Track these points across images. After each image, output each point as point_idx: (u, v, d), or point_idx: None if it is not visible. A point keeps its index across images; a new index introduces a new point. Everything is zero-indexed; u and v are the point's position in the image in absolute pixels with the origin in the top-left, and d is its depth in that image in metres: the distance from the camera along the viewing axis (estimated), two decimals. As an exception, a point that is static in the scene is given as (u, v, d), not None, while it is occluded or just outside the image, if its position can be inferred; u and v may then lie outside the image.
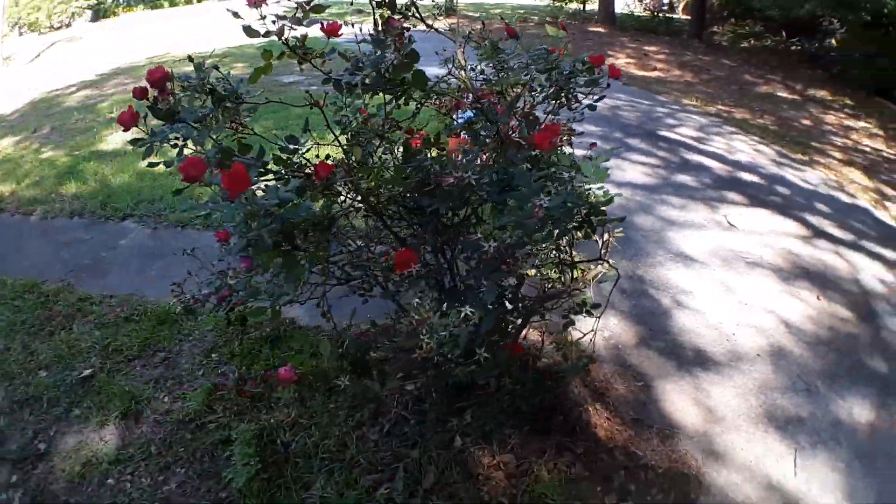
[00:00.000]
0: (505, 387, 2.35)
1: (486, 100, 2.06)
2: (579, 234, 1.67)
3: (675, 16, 16.42)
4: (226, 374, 3.06)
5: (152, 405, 2.86)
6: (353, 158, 1.83)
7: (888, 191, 5.64)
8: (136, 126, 1.63)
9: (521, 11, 15.31)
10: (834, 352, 3.23)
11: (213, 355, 3.21)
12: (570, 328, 2.40)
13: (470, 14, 15.60)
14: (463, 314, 1.54)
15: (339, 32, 1.66)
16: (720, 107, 7.90)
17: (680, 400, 2.91)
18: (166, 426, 2.71)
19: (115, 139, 6.37)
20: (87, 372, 3.07)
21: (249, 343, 3.26)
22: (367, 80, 1.62)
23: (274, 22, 1.61)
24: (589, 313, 2.06)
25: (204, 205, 1.66)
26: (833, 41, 10.65)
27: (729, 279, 3.84)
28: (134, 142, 1.67)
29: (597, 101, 2.13)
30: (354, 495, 2.26)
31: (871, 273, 3.98)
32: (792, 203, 4.92)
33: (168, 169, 1.73)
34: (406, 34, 1.71)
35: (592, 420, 2.72)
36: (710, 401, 2.91)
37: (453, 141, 2.11)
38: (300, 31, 1.65)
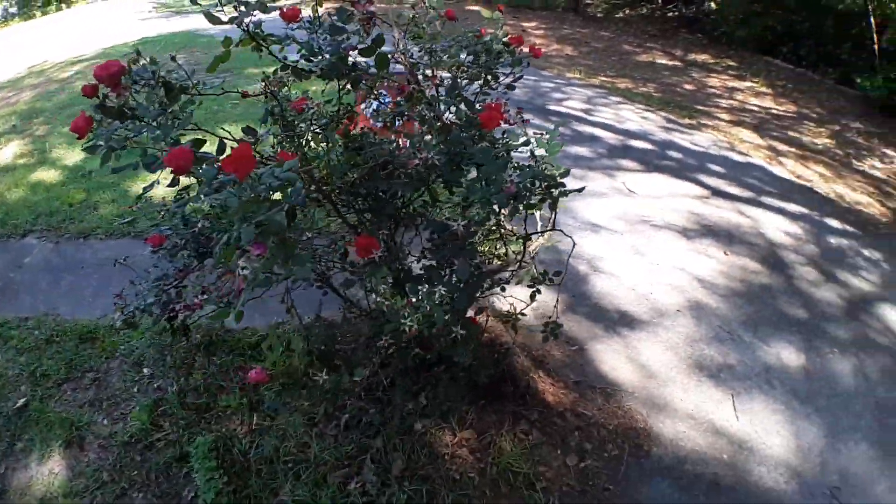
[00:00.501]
0: (461, 364, 2.39)
1: (428, 83, 2.06)
2: (538, 207, 1.72)
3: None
4: (163, 387, 2.90)
5: (94, 429, 2.68)
6: (305, 148, 1.77)
7: (781, 147, 6.14)
8: (91, 131, 1.48)
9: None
10: (751, 302, 3.53)
11: (145, 370, 3.04)
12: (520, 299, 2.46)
13: None
14: (437, 294, 1.55)
15: (299, 18, 1.59)
16: (603, 78, 8.23)
17: (614, 359, 3.09)
18: (113, 450, 2.56)
19: (6, 154, 5.82)
20: (20, 402, 2.84)
21: (181, 353, 3.10)
22: (323, 66, 1.57)
23: (236, 8, 1.52)
24: (551, 281, 2.13)
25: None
26: (712, 4, 11.11)
27: (637, 243, 4.07)
28: (90, 149, 1.51)
29: (515, 80, 2.18)
30: (328, 494, 2.23)
31: (774, 226, 4.37)
32: (686, 166, 5.27)
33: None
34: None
35: (539, 387, 2.84)
36: (641, 357, 3.11)
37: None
38: (259, 16, 1.57)
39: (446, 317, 1.64)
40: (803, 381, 3.00)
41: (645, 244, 4.05)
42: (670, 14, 12.05)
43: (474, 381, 2.49)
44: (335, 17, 1.66)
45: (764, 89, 8.11)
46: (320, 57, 1.58)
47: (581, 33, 11.06)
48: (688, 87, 8.20)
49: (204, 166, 1.26)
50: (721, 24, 10.08)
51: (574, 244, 2.42)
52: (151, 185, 1.75)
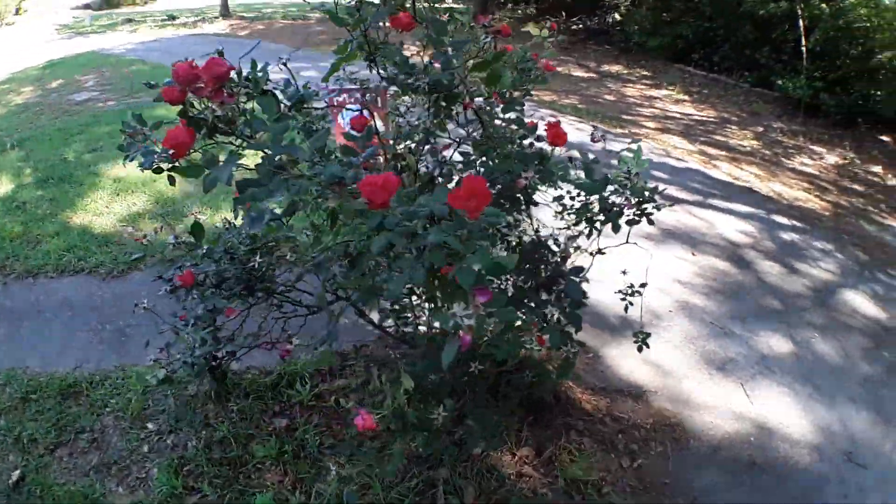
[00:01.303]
0: (522, 382, 2.39)
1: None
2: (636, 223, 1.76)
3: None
4: (178, 443, 2.64)
5: (114, 501, 2.36)
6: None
7: (711, 150, 6.63)
8: (193, 148, 1.31)
9: (294, 10, 15.02)
10: (731, 298, 3.80)
11: (150, 425, 2.74)
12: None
13: (245, 15, 14.99)
14: (556, 317, 1.54)
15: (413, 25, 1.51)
16: (567, 101, 8.47)
17: (629, 363, 3.21)
18: (147, 525, 2.27)
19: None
20: (15, 475, 2.46)
21: (182, 401, 2.84)
22: (428, 83, 1.51)
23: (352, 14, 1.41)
24: (639, 293, 2.18)
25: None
26: (616, 15, 11.74)
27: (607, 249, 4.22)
28: (189, 170, 1.31)
29: (523, 96, 2.20)
30: (414, 534, 2.13)
31: (729, 226, 4.73)
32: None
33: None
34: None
35: (576, 396, 2.88)
36: (653, 358, 3.24)
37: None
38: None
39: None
40: (797, 365, 3.26)
41: (616, 251, 4.22)
42: (575, 27, 12.66)
43: (530, 397, 2.49)
44: (430, 31, 1.60)
45: (681, 96, 8.71)
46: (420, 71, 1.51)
47: (497, 48, 11.34)
48: (608, 97, 8.66)
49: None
50: (632, 35, 10.64)
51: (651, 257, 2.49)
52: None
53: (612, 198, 1.67)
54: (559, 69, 10.04)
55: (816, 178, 6.26)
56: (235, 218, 1.97)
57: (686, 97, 8.70)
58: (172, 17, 14.52)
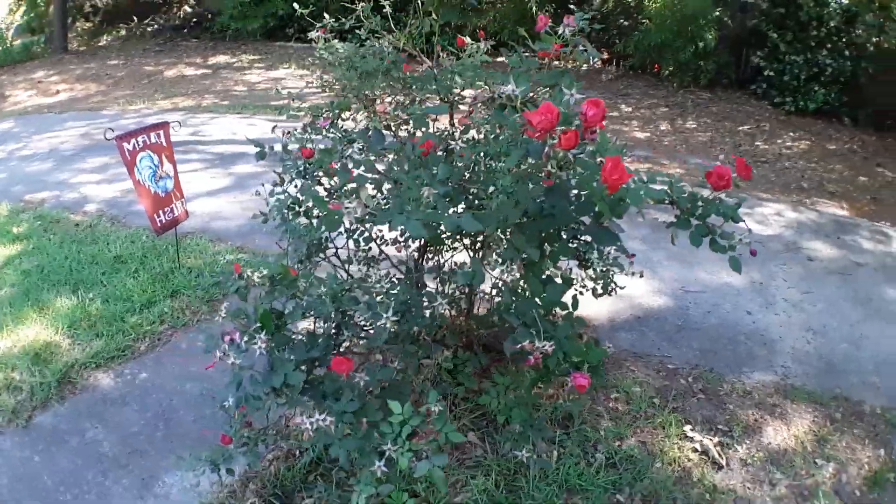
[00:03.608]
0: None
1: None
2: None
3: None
4: None
5: None
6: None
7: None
8: None
9: None
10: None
11: None
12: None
13: None
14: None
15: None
16: (162, 102, 7.39)
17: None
18: None
19: None
20: None
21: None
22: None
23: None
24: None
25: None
26: (186, 8, 10.84)
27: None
28: None
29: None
30: None
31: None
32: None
33: None
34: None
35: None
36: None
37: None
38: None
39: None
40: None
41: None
42: (150, 28, 11.24)
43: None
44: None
45: (304, 71, 8.58)
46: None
47: (88, 68, 9.38)
48: (240, 88, 8.00)
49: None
50: (227, 23, 9.96)
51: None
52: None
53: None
54: (168, 73, 8.84)
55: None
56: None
57: (307, 72, 8.64)
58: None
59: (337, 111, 2.04)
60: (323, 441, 1.36)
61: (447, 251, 2.30)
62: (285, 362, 1.45)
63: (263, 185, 2.15)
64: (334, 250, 2.18)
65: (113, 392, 2.56)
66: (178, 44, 10.37)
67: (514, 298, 1.50)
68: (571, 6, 2.08)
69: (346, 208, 1.29)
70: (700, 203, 1.45)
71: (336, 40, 2.36)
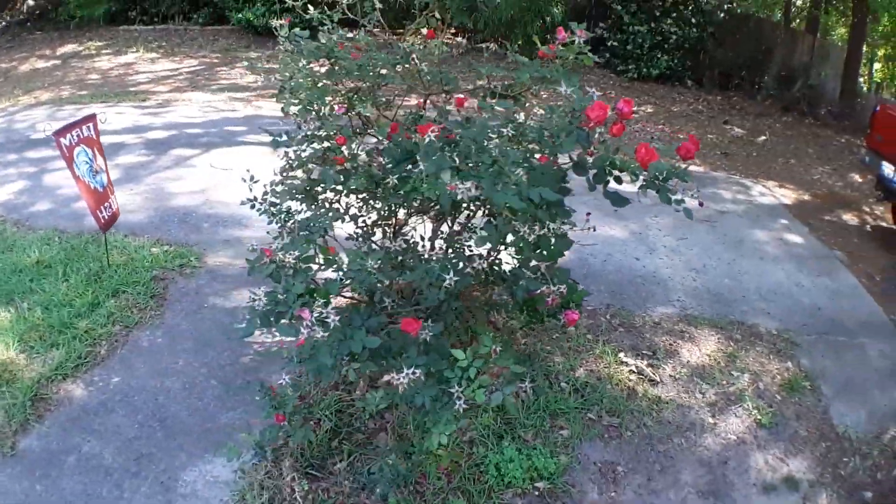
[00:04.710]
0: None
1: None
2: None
3: None
4: None
5: None
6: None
7: (238, 94, 6.71)
8: None
9: None
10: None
11: None
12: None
13: None
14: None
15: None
16: (28, 97, 6.72)
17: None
18: None
19: None
20: None
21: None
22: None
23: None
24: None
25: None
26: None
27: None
28: None
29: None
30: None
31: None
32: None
33: None
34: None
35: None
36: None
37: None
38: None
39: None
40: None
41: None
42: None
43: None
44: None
45: (152, 55, 8.16)
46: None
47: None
48: (94, 76, 7.36)
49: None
50: (72, 11, 9.07)
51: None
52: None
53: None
54: (22, 68, 7.88)
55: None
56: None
57: (156, 54, 8.18)
58: None
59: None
60: (411, 392, 1.57)
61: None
62: (356, 329, 1.65)
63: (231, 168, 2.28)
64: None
65: (91, 401, 2.46)
66: (26, 38, 9.33)
67: (532, 253, 1.83)
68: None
69: (460, 188, 1.51)
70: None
71: (297, 28, 2.40)
